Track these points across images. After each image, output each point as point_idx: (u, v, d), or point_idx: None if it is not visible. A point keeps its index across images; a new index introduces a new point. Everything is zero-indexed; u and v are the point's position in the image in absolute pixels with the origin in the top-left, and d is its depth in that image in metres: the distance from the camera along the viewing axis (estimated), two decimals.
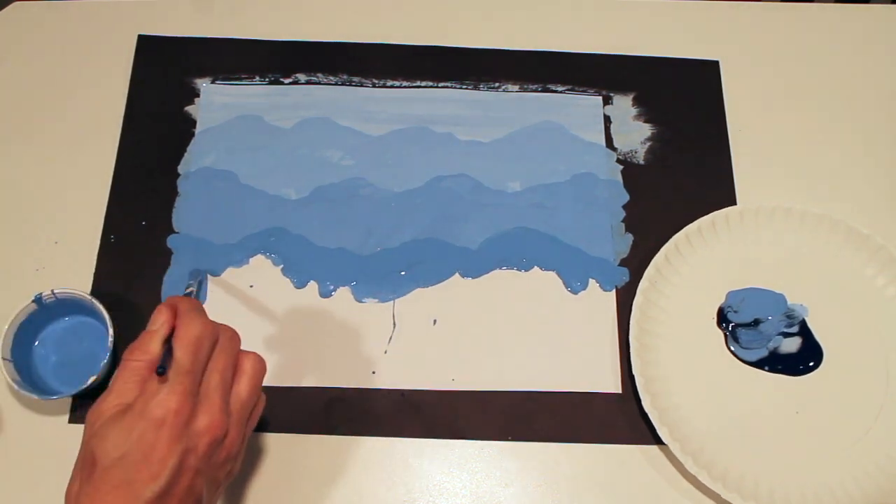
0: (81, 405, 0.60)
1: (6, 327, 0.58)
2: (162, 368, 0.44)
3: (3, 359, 0.58)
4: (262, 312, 0.64)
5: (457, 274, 0.66)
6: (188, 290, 0.56)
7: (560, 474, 0.60)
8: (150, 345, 0.46)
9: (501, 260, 0.66)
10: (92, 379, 0.58)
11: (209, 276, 0.64)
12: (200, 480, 0.45)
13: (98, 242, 0.65)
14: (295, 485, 0.59)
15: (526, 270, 0.66)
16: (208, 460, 0.45)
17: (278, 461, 0.59)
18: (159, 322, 0.47)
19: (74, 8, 0.75)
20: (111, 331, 0.59)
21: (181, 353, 0.45)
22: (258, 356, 0.49)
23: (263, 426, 0.60)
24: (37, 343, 0.61)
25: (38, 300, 0.59)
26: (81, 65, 0.73)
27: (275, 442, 0.60)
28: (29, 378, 0.59)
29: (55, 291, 0.59)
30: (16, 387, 0.57)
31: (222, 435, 0.45)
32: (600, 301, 0.65)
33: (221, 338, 0.47)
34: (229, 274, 0.65)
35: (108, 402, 0.45)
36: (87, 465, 0.44)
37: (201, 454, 0.44)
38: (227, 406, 0.46)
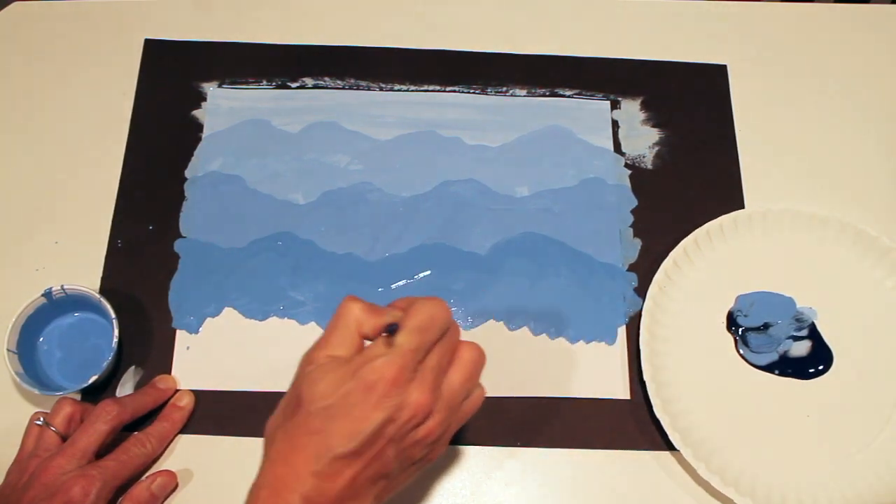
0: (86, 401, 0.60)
1: (14, 319, 0.58)
2: (392, 328, 0.45)
3: (9, 350, 0.58)
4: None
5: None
6: None
7: (562, 477, 0.60)
8: (381, 317, 0.46)
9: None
10: (94, 378, 0.58)
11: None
12: (392, 452, 0.45)
13: (105, 245, 0.65)
14: None
15: None
16: (405, 435, 0.45)
17: None
18: (392, 315, 0.47)
19: (75, 8, 0.75)
20: (116, 331, 0.59)
21: (410, 329, 0.45)
22: (477, 347, 0.48)
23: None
24: (42, 337, 0.61)
25: (47, 294, 0.59)
26: (83, 66, 0.72)
27: None
28: (33, 372, 0.59)
29: (65, 287, 0.59)
30: (19, 380, 0.57)
31: (425, 414, 0.45)
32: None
33: (450, 328, 0.47)
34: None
35: (321, 353, 0.46)
36: (292, 404, 0.45)
37: (400, 426, 0.44)
38: (439, 390, 0.46)
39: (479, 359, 0.48)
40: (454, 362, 0.47)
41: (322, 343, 0.46)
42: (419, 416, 0.44)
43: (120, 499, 0.55)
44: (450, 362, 0.47)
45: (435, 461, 0.49)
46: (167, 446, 0.59)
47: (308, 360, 0.46)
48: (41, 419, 0.56)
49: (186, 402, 0.60)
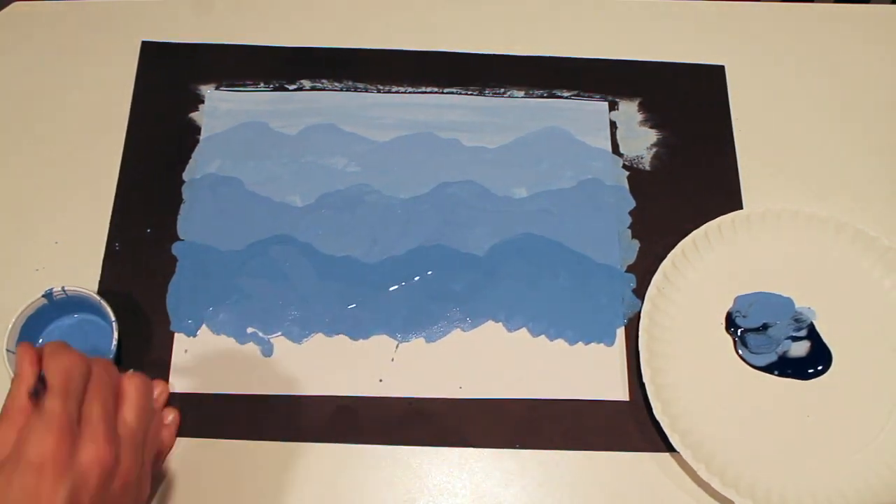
0: None
1: (14, 319, 0.58)
2: (35, 392, 0.42)
3: (8, 351, 0.58)
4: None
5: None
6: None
7: (562, 479, 0.59)
8: (18, 391, 0.44)
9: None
10: None
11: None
12: None
13: (102, 248, 0.65)
14: (294, 489, 0.59)
15: None
16: (104, 493, 0.43)
17: (279, 469, 0.59)
18: (24, 367, 0.45)
19: (75, 8, 0.75)
20: (116, 333, 0.59)
21: (50, 389, 0.43)
22: (141, 377, 0.47)
23: (267, 435, 0.60)
24: (42, 338, 0.61)
25: (48, 295, 0.59)
26: (82, 67, 0.72)
27: (278, 450, 0.59)
28: None
29: (65, 288, 0.59)
30: None
31: (112, 463, 0.43)
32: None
33: (95, 368, 0.46)
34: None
35: None
36: None
37: (93, 487, 0.42)
38: (115, 434, 0.44)
39: (144, 387, 0.47)
40: (121, 400, 0.46)
41: None
42: (106, 469, 0.42)
43: None
44: (116, 402, 0.46)
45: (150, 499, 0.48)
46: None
47: None
48: None
49: (172, 418, 0.58)
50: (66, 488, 0.41)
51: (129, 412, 0.46)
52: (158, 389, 0.59)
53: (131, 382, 0.47)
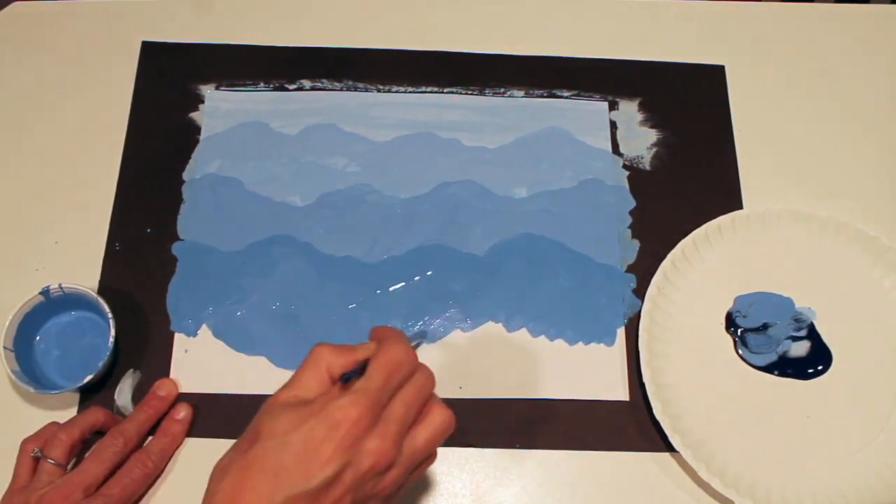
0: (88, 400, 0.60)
1: (11, 316, 0.58)
2: (347, 377, 0.43)
3: (5, 348, 0.58)
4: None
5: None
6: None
7: (562, 479, 0.59)
8: (345, 357, 0.45)
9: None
10: (89, 377, 0.58)
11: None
12: (348, 502, 0.42)
13: (102, 248, 0.65)
14: None
15: None
16: (363, 485, 0.42)
17: None
18: (365, 348, 0.45)
19: (75, 8, 0.75)
20: (113, 329, 0.59)
21: (375, 370, 0.43)
22: (450, 412, 0.46)
23: None
24: (39, 336, 0.61)
25: (45, 292, 0.59)
26: (82, 67, 0.72)
27: None
28: (30, 370, 0.59)
29: (62, 285, 0.59)
30: (14, 377, 0.57)
31: (386, 465, 0.43)
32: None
33: (418, 373, 0.45)
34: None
35: (286, 393, 0.43)
36: (248, 438, 0.42)
37: (360, 474, 0.42)
38: (401, 441, 0.44)
39: (449, 424, 0.46)
40: (423, 421, 0.45)
41: (289, 384, 0.44)
42: (380, 465, 0.42)
43: None
44: (418, 419, 0.45)
45: None
46: (169, 460, 0.58)
47: (273, 398, 0.44)
48: (36, 450, 0.55)
49: (184, 414, 0.59)
50: (342, 459, 0.41)
51: (423, 435, 0.45)
52: (167, 388, 0.60)
53: (439, 410, 0.46)
